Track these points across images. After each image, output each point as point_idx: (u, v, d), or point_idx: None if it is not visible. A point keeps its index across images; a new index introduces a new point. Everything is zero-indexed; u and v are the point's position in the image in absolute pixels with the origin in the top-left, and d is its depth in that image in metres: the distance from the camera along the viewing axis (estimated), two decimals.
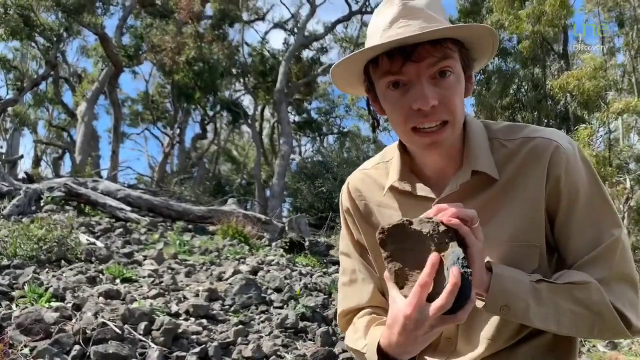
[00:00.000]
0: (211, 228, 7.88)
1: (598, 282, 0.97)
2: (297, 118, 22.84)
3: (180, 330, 3.44)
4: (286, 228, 8.12)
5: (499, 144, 1.06)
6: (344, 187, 1.23)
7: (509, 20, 12.66)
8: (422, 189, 1.08)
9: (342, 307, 1.23)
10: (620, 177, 11.83)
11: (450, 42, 0.95)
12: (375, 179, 1.17)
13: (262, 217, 8.63)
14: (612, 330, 0.97)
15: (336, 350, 3.59)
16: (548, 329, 0.96)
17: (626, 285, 0.98)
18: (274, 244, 7.35)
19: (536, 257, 1.01)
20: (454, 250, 0.87)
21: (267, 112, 23.77)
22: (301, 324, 3.91)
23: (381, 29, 0.97)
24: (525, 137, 1.04)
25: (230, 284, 4.58)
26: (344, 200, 1.22)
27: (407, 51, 0.93)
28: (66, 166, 21.71)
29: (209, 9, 18.78)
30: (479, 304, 0.94)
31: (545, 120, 15.22)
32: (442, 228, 0.88)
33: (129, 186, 13.52)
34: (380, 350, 0.97)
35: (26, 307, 3.49)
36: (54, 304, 3.58)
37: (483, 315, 1.04)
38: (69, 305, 3.59)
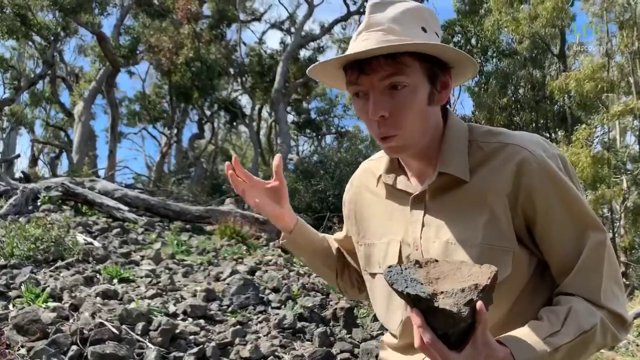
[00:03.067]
0: (209, 228, 7.87)
1: (595, 291, 1.02)
2: (296, 118, 22.83)
3: (178, 331, 3.43)
4: None
5: (476, 147, 1.09)
6: (351, 178, 1.34)
7: (507, 21, 12.68)
8: (401, 183, 1.16)
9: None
10: (617, 177, 11.86)
11: (407, 56, 0.99)
12: (373, 171, 1.26)
13: (260, 217, 8.62)
14: (612, 345, 1.08)
15: (334, 350, 3.59)
16: None
17: (614, 284, 1.04)
18: (271, 244, 7.35)
19: (509, 262, 1.03)
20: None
21: (265, 112, 23.76)
22: (299, 325, 3.90)
23: (352, 42, 1.05)
24: (500, 142, 1.08)
25: (228, 284, 4.57)
26: (346, 189, 1.33)
27: (361, 64, 1.00)
28: (63, 166, 21.69)
29: (206, 9, 18.75)
30: None
31: (543, 121, 15.25)
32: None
33: (127, 186, 13.49)
34: None
35: (23, 307, 3.47)
36: (51, 304, 3.57)
37: None
38: (66, 305, 3.58)
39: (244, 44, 21.60)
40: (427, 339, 0.87)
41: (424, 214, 1.11)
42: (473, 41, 14.98)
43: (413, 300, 0.88)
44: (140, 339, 3.26)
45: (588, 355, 1.02)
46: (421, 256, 1.09)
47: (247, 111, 22.10)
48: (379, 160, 1.25)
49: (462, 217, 1.06)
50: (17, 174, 13.94)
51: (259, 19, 21.34)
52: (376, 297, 1.22)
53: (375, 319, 4.23)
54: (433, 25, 1.06)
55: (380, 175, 1.20)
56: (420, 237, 1.10)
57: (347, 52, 1.01)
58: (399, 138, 1.03)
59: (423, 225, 1.10)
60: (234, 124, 23.15)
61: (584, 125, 10.95)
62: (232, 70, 20.03)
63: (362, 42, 1.01)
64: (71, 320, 3.31)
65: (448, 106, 1.14)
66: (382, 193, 1.21)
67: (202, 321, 3.78)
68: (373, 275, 1.21)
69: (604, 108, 11.33)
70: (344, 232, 1.37)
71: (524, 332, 0.97)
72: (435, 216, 1.10)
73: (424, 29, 1.03)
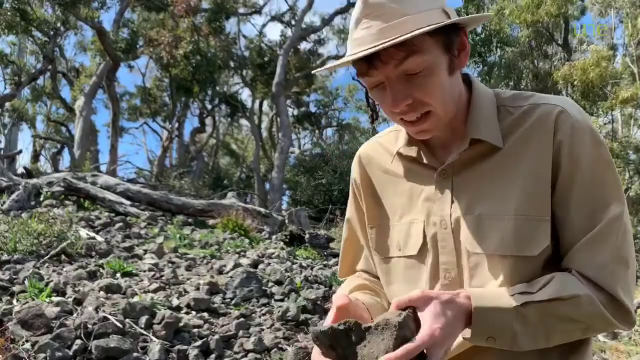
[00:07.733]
0: (211, 222, 7.88)
1: (599, 269, 0.93)
2: (296, 111, 22.79)
3: (181, 324, 3.44)
4: (286, 221, 8.12)
5: (506, 112, 1.02)
6: (355, 157, 1.22)
7: (512, 9, 12.60)
8: (428, 156, 1.06)
9: (341, 262, 1.29)
10: (620, 167, 11.84)
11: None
12: (385, 146, 1.16)
13: (262, 210, 8.63)
14: (605, 331, 0.98)
15: None
16: (538, 347, 0.93)
17: (623, 267, 0.94)
18: (274, 237, 7.36)
19: (547, 233, 0.95)
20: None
21: (266, 106, 23.72)
22: (302, 317, 3.91)
23: (351, 30, 0.96)
24: (532, 103, 1.00)
25: (231, 277, 4.58)
26: (353, 170, 1.22)
27: (370, 57, 0.92)
28: (65, 161, 21.70)
29: (206, 2, 18.65)
30: (466, 333, 0.91)
31: None
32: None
33: (129, 180, 13.49)
34: None
35: (27, 302, 3.49)
36: (55, 299, 3.58)
37: None
38: (70, 299, 3.59)
39: (244, 36, 21.54)
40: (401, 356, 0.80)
41: (452, 188, 1.03)
42: (478, 29, 14.88)
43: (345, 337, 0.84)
44: (144, 333, 3.26)
45: (571, 336, 0.94)
46: (451, 235, 1.02)
47: (248, 105, 22.06)
48: (391, 135, 1.16)
49: (495, 187, 0.99)
50: (19, 170, 13.96)
51: (259, 12, 21.25)
52: (394, 280, 1.13)
53: None
54: None
55: (396, 151, 1.10)
56: (450, 215, 1.02)
57: (349, 48, 0.95)
58: (432, 115, 0.96)
59: (452, 202, 1.02)
60: (235, 117, 23.12)
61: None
62: (232, 64, 19.98)
63: (363, 30, 0.93)
64: (75, 315, 3.32)
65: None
66: (398, 170, 1.11)
67: (205, 314, 3.79)
68: (389, 259, 1.13)
69: (612, 95, 11.25)
70: (357, 212, 1.21)
71: (493, 288, 0.93)
72: (464, 190, 1.02)
73: None
